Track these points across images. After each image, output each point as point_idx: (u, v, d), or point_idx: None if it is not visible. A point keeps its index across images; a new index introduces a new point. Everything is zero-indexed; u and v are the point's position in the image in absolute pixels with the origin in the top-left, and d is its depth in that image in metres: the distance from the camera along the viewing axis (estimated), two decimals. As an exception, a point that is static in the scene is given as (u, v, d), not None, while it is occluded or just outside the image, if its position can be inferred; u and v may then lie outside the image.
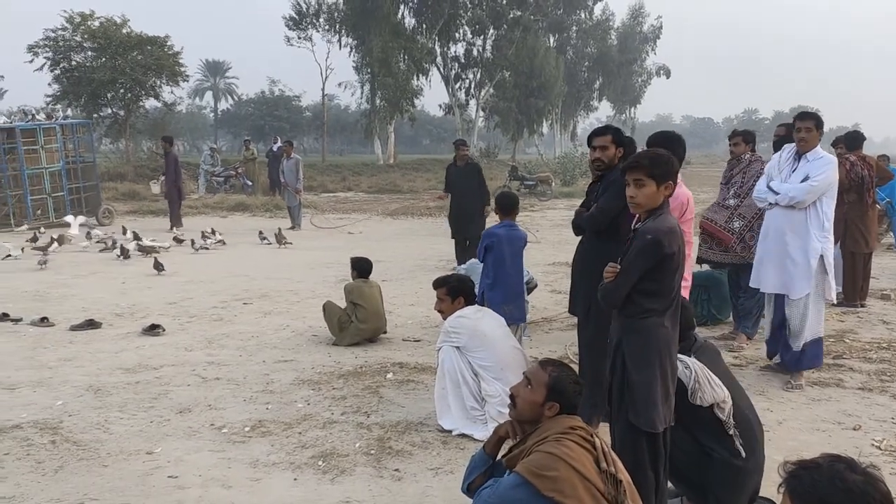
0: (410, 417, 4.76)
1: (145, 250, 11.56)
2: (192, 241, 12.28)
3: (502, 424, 3.01)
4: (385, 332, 6.81)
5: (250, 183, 23.13)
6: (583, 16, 51.32)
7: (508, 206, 5.76)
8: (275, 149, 22.88)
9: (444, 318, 4.70)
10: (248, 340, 6.77)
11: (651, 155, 3.18)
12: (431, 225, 15.92)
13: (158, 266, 10.02)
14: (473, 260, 6.78)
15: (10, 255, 11.16)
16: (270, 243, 12.96)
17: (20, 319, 7.34)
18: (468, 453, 4.06)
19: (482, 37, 43.73)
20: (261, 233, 13.38)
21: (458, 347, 4.54)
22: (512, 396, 2.91)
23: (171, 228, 14.58)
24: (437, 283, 4.78)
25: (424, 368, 5.76)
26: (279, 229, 13.33)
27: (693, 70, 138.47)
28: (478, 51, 44.30)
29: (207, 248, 12.33)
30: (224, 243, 12.87)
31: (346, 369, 5.82)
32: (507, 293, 5.44)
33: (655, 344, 3.12)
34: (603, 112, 62.91)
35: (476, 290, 4.99)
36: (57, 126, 16.08)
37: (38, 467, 4.01)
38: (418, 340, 6.77)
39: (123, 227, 13.92)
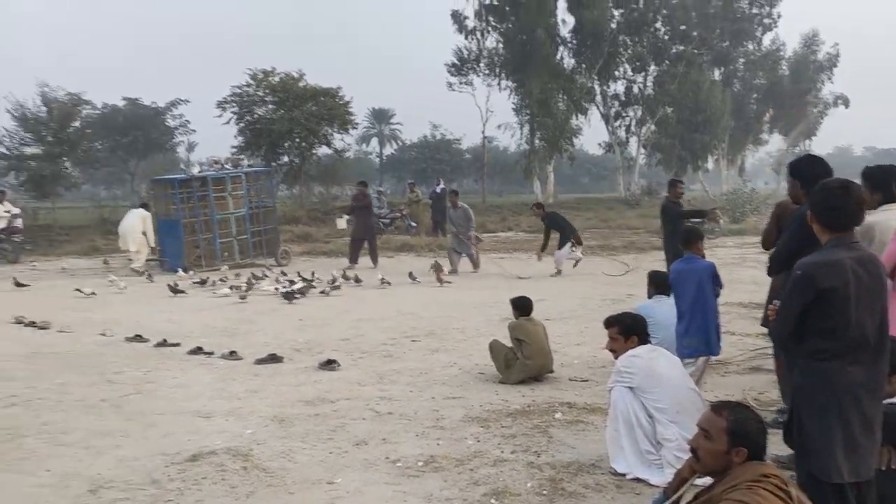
0: (582, 459, 4.69)
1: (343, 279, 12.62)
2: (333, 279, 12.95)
3: (684, 465, 2.93)
4: (552, 371, 6.77)
5: (414, 224, 23.86)
6: (750, 47, 49.40)
7: (689, 240, 6.14)
8: (437, 190, 23.55)
9: (616, 358, 4.62)
10: (418, 377, 6.95)
11: (814, 196, 3.17)
12: (595, 264, 15.71)
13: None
14: (650, 300, 6.68)
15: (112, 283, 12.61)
16: (420, 282, 13.25)
17: (212, 353, 7.93)
18: (644, 499, 3.95)
19: (643, 73, 43.18)
20: (410, 273, 13.71)
21: (631, 388, 4.44)
22: (693, 450, 2.82)
23: (375, 265, 15.42)
24: (609, 322, 4.73)
25: (594, 409, 5.67)
26: (435, 262, 13.75)
27: (875, 97, 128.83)
28: (639, 88, 43.75)
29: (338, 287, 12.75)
30: (390, 283, 13.18)
31: (514, 407, 5.84)
32: (690, 326, 5.46)
33: (832, 389, 2.91)
34: (773, 145, 59.97)
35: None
36: (242, 174, 17.40)
37: (231, 492, 4.30)
38: (586, 380, 6.68)
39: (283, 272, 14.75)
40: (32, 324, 9.62)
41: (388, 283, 12.88)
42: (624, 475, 4.39)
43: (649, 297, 6.77)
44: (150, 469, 4.66)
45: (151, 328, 9.22)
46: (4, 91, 32.26)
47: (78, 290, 12.22)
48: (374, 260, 15.93)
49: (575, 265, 14.38)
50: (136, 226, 15.65)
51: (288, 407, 6.00)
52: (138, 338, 8.70)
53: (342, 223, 18.01)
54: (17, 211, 18.82)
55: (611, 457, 4.53)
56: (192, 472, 4.58)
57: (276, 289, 12.41)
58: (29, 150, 26.44)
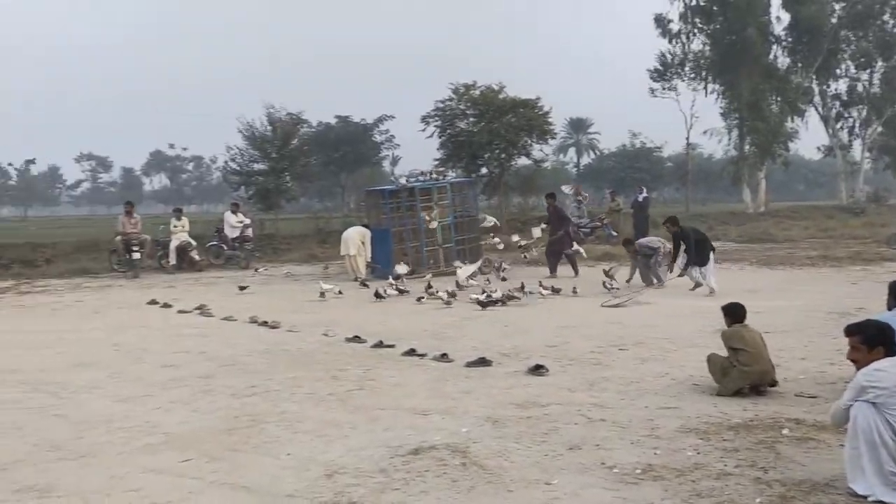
0: (815, 477, 4.39)
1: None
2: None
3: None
4: (774, 384, 6.39)
5: (615, 234, 23.43)
6: None
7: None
8: (640, 199, 22.99)
9: (858, 369, 4.28)
10: (628, 385, 6.83)
11: None
12: (814, 275, 14.64)
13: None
14: (889, 312, 6.10)
15: (323, 295, 13.11)
16: (617, 288, 12.90)
17: (425, 355, 8.26)
18: (891, 523, 3.63)
19: (868, 70, 39.65)
20: (604, 283, 13.38)
21: (874, 404, 4.09)
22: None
23: (575, 275, 15.45)
24: (851, 330, 4.39)
25: (825, 427, 5.28)
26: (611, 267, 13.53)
27: None
28: (863, 86, 40.25)
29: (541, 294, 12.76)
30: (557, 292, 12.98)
31: (734, 421, 5.57)
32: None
33: None
34: None
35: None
36: (448, 185, 18.00)
37: (453, 485, 4.46)
38: (814, 397, 6.23)
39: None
40: (265, 323, 10.52)
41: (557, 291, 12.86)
42: (865, 497, 4.06)
43: (889, 308, 6.20)
44: (377, 459, 4.94)
45: (367, 330, 9.75)
46: (237, 114, 35.31)
47: (322, 291, 13.18)
48: (574, 269, 15.87)
49: (692, 288, 12.98)
50: (356, 238, 16.59)
51: (500, 409, 6.12)
52: (357, 339, 9.24)
53: (537, 232, 18.08)
54: (248, 221, 20.68)
55: (849, 477, 4.20)
56: (416, 464, 4.81)
57: (478, 297, 12.64)
58: (256, 167, 28.97)
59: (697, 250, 12.99)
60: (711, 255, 13.18)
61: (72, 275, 18.51)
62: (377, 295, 13.03)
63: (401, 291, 13.53)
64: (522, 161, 32.74)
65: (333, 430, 5.61)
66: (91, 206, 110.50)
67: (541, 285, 13.15)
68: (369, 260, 16.79)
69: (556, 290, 13.14)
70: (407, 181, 18.13)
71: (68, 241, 22.97)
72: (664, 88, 39.03)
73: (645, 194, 24.06)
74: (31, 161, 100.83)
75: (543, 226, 17.29)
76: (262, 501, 4.33)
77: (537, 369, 7.33)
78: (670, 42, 38.46)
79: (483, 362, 7.75)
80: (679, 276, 13.23)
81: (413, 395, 6.62)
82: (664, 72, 38.75)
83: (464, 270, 14.92)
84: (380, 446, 5.20)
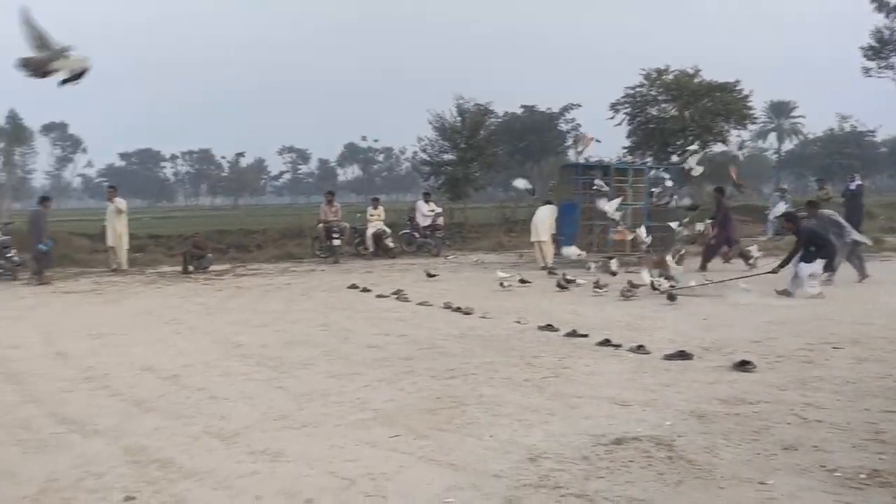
0: None
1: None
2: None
3: None
4: None
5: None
6: None
7: None
8: (852, 187, 21.24)
9: None
10: (844, 385, 6.39)
11: None
12: None
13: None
14: None
15: (503, 285, 13.10)
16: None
17: (620, 345, 8.15)
18: None
19: None
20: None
21: None
22: None
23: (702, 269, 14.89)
24: None
25: None
26: None
27: None
28: None
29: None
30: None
31: (974, 431, 5.07)
32: None
33: None
34: None
35: None
36: (645, 168, 17.64)
37: (659, 478, 4.40)
38: None
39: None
40: (458, 309, 10.82)
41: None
42: None
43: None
44: (579, 446, 4.97)
45: (559, 319, 9.77)
46: (429, 106, 36.39)
47: (500, 280, 13.43)
48: (703, 263, 15.16)
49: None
50: (546, 220, 16.65)
51: (704, 403, 5.93)
52: (549, 327, 9.29)
53: (700, 227, 17.24)
54: (439, 210, 21.34)
55: None
56: (619, 454, 4.79)
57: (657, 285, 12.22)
58: (446, 157, 29.77)
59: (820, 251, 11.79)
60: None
61: (279, 259, 20.00)
62: (560, 285, 13.01)
63: (569, 282, 13.33)
64: (719, 148, 31.29)
65: (533, 416, 5.70)
66: (292, 195, 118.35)
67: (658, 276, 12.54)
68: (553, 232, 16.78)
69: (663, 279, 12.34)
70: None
71: (275, 228, 24.77)
72: (880, 67, 35.72)
73: (858, 182, 22.19)
74: (241, 154, 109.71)
75: (709, 221, 16.45)
76: (468, 479, 4.48)
77: (743, 365, 7.02)
78: (888, 16, 35.06)
79: (683, 355, 7.53)
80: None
81: (610, 385, 6.57)
82: (880, 49, 35.41)
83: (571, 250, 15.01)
84: (581, 434, 5.22)
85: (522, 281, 13.42)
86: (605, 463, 4.64)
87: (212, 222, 29.71)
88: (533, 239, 16.86)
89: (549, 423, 5.53)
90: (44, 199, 17.15)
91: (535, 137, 52.40)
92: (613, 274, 12.92)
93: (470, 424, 5.55)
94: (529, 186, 15.33)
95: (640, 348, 7.93)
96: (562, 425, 5.45)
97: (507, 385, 6.67)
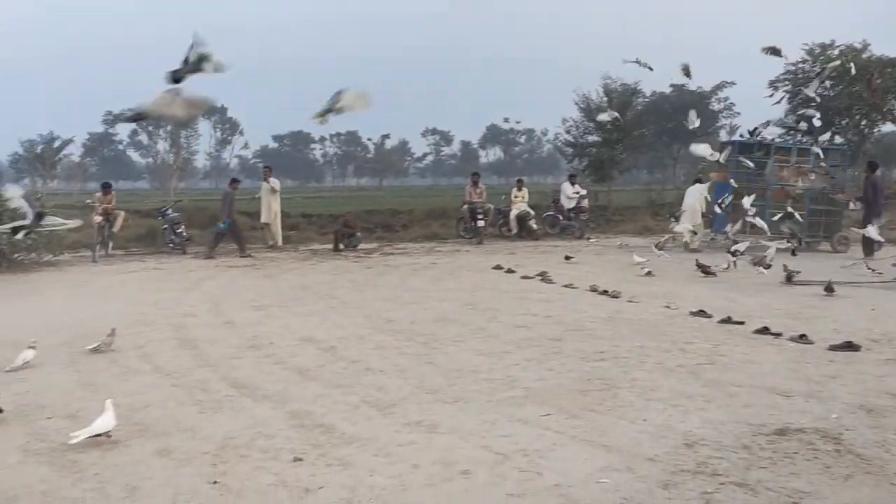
0: None
1: None
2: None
3: None
4: None
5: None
6: None
7: None
8: None
9: None
10: None
11: None
12: None
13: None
14: None
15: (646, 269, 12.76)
16: None
17: (780, 334, 7.80)
18: None
19: None
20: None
21: None
22: None
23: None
24: None
25: None
26: None
27: None
28: None
29: None
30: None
31: None
32: None
33: None
34: None
35: None
36: (812, 148, 16.65)
37: (826, 471, 4.21)
38: None
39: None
40: (605, 292, 10.69)
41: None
42: None
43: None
44: (738, 435, 4.82)
45: (710, 305, 9.45)
46: (574, 86, 35.86)
47: (639, 263, 13.17)
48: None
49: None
50: (696, 205, 16.13)
51: (874, 397, 5.60)
52: (702, 313, 9.00)
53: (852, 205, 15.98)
54: (584, 192, 21.07)
55: None
56: (782, 445, 4.61)
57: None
58: (590, 138, 29.30)
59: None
60: None
61: (424, 239, 20.44)
62: (704, 271, 12.57)
63: (704, 269, 12.76)
64: (889, 128, 29.11)
65: (688, 402, 5.58)
66: (434, 177, 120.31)
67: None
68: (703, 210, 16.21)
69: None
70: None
71: (420, 209, 25.31)
72: None
73: None
74: (386, 136, 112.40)
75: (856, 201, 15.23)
76: (622, 461, 4.46)
77: (918, 359, 6.56)
78: None
79: (850, 346, 7.12)
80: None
81: (770, 375, 6.31)
82: None
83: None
84: (739, 422, 5.06)
85: (648, 274, 12.89)
86: (766, 453, 4.49)
87: (358, 202, 30.78)
88: (682, 222, 16.36)
89: (705, 410, 5.40)
90: (233, 181, 18.35)
91: (684, 118, 50.55)
92: (767, 267, 12.30)
93: (622, 407, 5.51)
94: (712, 153, 15.01)
95: (802, 338, 7.56)
96: (719, 413, 5.30)
97: (660, 370, 6.55)
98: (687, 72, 14.78)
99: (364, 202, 31.26)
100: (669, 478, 4.20)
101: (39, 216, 6.13)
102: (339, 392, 6.06)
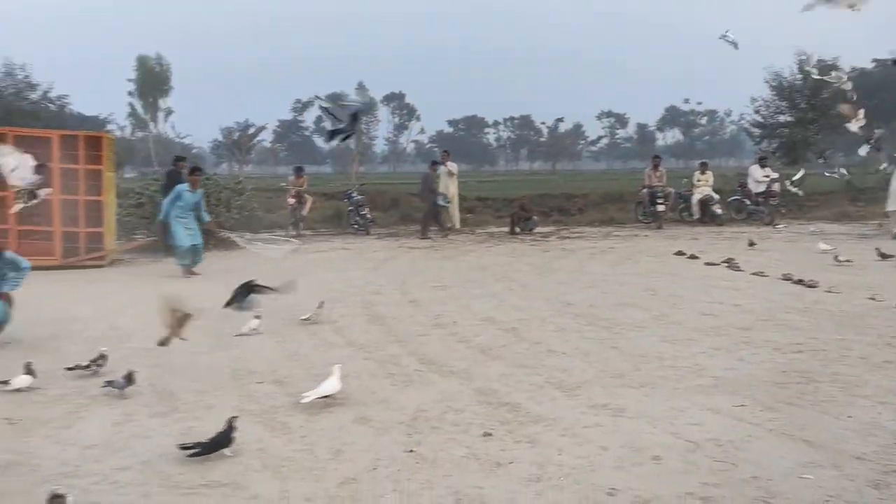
0: None
1: None
2: None
3: None
4: None
5: None
6: None
7: None
8: None
9: None
10: None
11: None
12: None
13: None
14: None
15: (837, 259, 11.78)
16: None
17: None
18: None
19: None
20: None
21: None
22: None
23: None
24: None
25: None
26: None
27: None
28: None
29: None
30: None
31: None
32: None
33: None
34: None
35: None
36: None
37: None
38: None
39: None
40: (800, 282, 10.06)
41: None
42: None
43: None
44: (960, 439, 4.42)
45: (923, 298, 8.68)
46: (765, 63, 33.80)
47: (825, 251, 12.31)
48: None
49: None
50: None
51: None
52: (913, 306, 8.30)
53: None
54: (775, 176, 19.83)
55: None
56: None
57: None
58: (782, 118, 27.53)
59: None
60: None
61: (601, 224, 20.12)
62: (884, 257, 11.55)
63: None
64: None
65: (899, 400, 5.18)
66: (608, 161, 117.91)
67: None
68: None
69: None
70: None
71: (596, 193, 24.88)
72: None
73: None
74: (560, 119, 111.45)
75: None
76: (826, 457, 4.23)
77: None
78: None
79: None
80: None
81: None
82: None
83: None
84: (962, 426, 4.64)
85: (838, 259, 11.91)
86: None
87: (531, 186, 30.68)
88: (890, 208, 15.06)
89: (919, 409, 4.99)
90: (434, 163, 19.02)
91: (888, 95, 46.28)
92: None
93: (824, 402, 5.20)
94: None
95: None
96: (937, 414, 4.89)
97: (865, 365, 6.11)
98: None
99: (538, 186, 31.12)
100: (881, 477, 3.93)
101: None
102: (522, 372, 6.15)
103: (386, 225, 19.96)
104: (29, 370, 5.67)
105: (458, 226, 19.04)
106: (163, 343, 5.69)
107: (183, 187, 11.96)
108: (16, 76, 26.14)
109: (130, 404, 5.36)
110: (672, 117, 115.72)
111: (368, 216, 18.76)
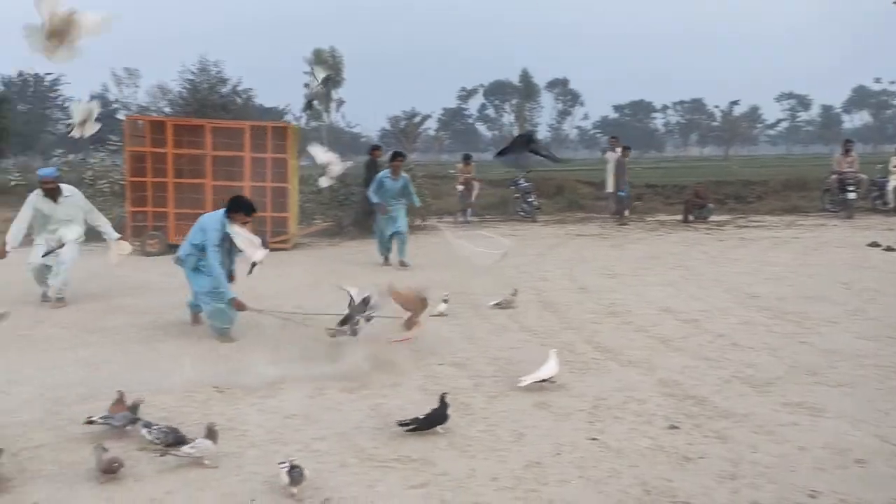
0: None
1: None
2: None
3: None
4: None
5: None
6: None
7: None
8: None
9: None
10: None
11: None
12: None
13: None
14: None
15: None
16: None
17: None
18: None
19: None
20: None
21: None
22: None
23: None
24: None
25: None
26: None
27: None
28: None
29: None
30: None
31: None
32: None
33: None
34: None
35: None
36: None
37: None
38: None
39: None
40: None
41: None
42: None
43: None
44: None
45: None
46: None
47: None
48: None
49: None
50: None
51: None
52: None
53: None
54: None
55: None
56: None
57: None
58: None
59: None
60: None
61: (782, 212, 18.98)
62: None
63: None
64: None
65: None
66: (787, 144, 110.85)
67: None
68: None
69: None
70: None
71: (776, 180, 23.46)
72: None
73: None
74: (735, 102, 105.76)
75: None
76: None
77: None
78: None
79: None
80: None
81: None
82: None
83: None
84: None
85: None
86: None
87: (701, 172, 29.36)
88: None
89: None
90: (625, 148, 18.83)
91: None
92: None
93: None
94: None
95: None
96: None
97: None
98: None
99: (710, 172, 29.76)
100: None
101: None
102: (706, 365, 5.93)
103: (552, 212, 19.85)
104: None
105: (626, 213, 18.62)
106: (409, 328, 6.21)
107: (384, 174, 11.51)
108: (209, 72, 28.19)
109: (320, 379, 5.66)
110: (860, 98, 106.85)
111: (535, 203, 18.74)
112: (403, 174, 11.70)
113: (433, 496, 3.73)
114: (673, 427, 4.58)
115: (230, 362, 6.08)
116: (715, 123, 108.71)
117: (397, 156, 11.86)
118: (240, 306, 6.72)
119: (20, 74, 72.67)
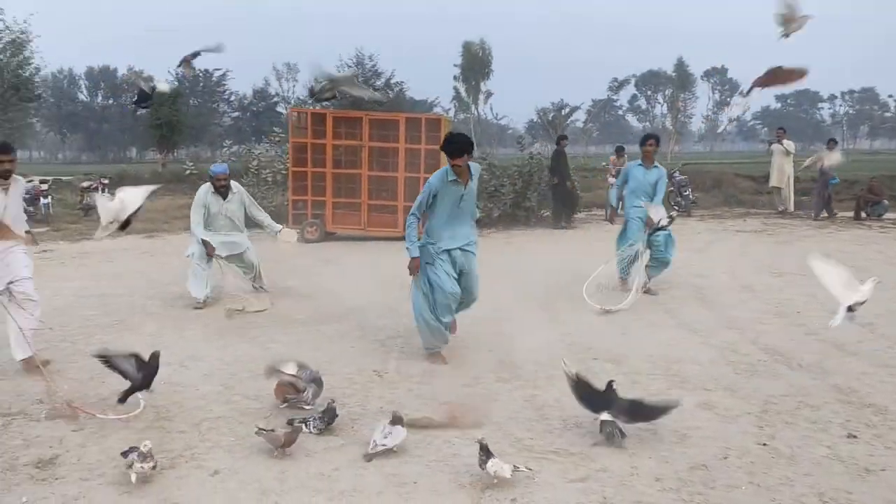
0: None
1: None
2: None
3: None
4: None
5: None
6: None
7: None
8: None
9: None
10: None
11: None
12: None
13: None
14: None
15: None
16: None
17: None
18: None
19: None
20: None
21: None
22: None
23: None
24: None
25: None
26: None
27: None
28: None
29: None
30: None
31: None
32: None
33: None
34: None
35: None
36: None
37: None
38: None
39: None
40: None
41: None
42: None
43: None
44: None
45: None
46: None
47: None
48: None
49: None
50: None
51: None
52: None
53: None
54: None
55: None
56: None
57: None
58: None
59: None
60: None
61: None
62: None
63: None
64: None
65: None
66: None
67: None
68: None
69: None
70: None
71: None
72: None
73: None
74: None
75: None
76: None
77: None
78: None
79: None
80: None
81: None
82: None
83: None
84: None
85: None
86: None
87: (874, 167, 27.24)
88: None
89: None
90: (830, 141, 17.94)
91: None
92: None
93: None
94: None
95: None
96: None
97: None
98: None
99: (883, 167, 27.56)
100: None
101: None
102: (885, 372, 5.52)
103: (708, 206, 19.07)
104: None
105: (791, 209, 17.59)
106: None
107: (633, 165, 8.89)
108: (365, 65, 29.04)
109: (476, 368, 5.71)
110: None
111: (691, 197, 18.05)
112: (657, 165, 8.77)
113: (594, 491, 3.67)
114: (851, 436, 4.28)
115: (391, 350, 6.25)
116: (888, 114, 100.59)
117: (649, 138, 8.81)
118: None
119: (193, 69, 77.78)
